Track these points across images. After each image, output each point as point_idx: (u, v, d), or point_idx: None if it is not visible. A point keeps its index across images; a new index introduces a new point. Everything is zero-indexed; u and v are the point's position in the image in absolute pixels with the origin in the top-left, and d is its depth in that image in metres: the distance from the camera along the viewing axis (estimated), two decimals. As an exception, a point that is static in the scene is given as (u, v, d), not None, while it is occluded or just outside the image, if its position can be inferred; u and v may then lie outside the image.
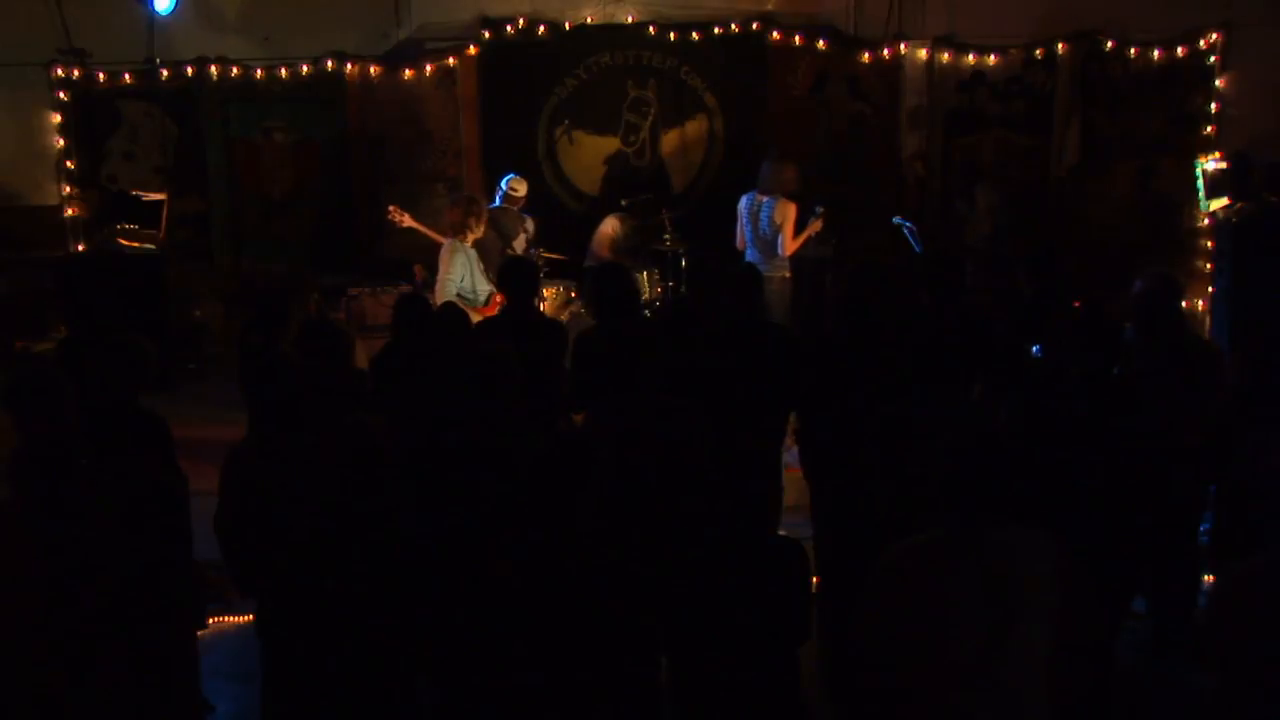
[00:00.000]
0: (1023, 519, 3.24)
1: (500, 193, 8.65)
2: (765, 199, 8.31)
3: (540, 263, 8.29)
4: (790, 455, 5.69)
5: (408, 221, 8.41)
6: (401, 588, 4.10)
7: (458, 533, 4.09)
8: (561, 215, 9.78)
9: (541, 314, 6.35)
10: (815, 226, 8.38)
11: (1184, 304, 6.11)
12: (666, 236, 9.00)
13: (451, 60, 9.82)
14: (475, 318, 6.56)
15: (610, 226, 9.07)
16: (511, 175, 8.73)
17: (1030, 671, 3.13)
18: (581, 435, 3.85)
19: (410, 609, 4.13)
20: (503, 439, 4.37)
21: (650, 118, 10.01)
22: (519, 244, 8.59)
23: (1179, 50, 9.80)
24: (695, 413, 4.65)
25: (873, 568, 3.33)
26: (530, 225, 8.74)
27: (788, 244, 8.26)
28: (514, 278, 5.94)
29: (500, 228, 8.38)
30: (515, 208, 8.65)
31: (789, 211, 8.28)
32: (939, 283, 5.71)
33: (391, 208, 8.52)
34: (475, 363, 4.69)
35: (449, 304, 6.39)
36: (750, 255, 8.30)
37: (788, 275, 8.54)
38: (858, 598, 3.35)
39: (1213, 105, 9.84)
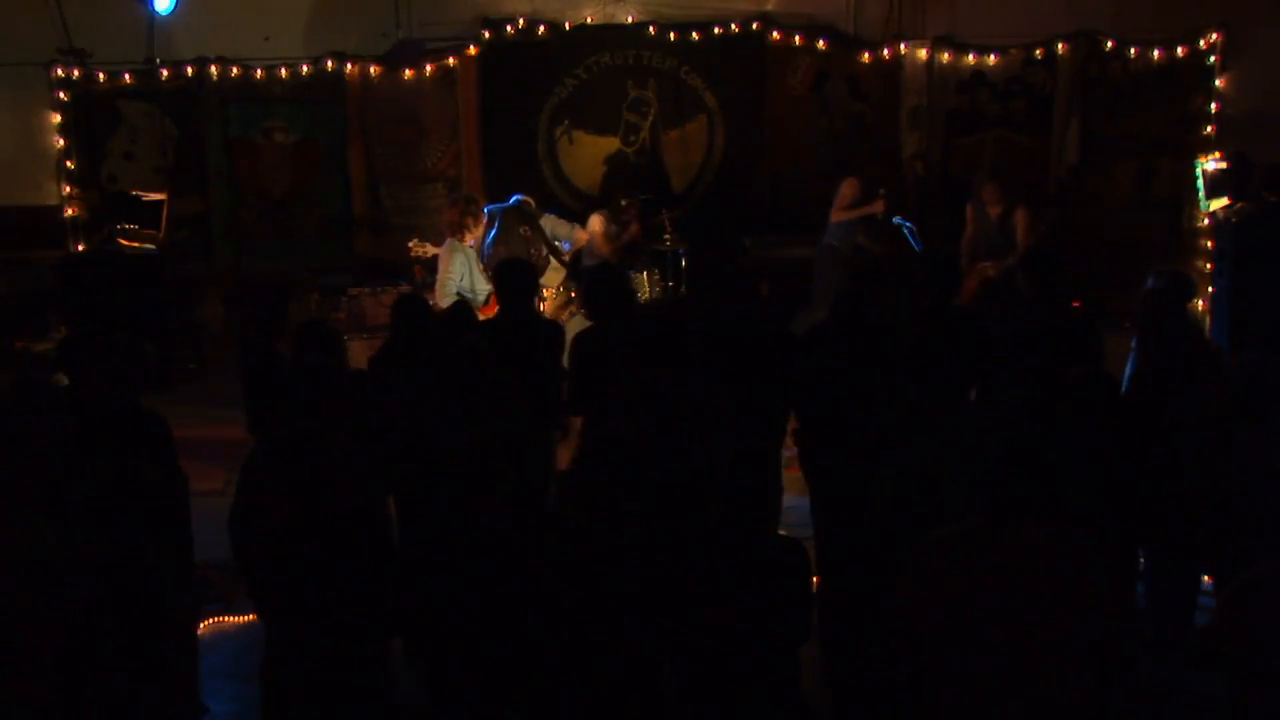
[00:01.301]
0: (1061, 516, 3.26)
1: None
2: None
3: (543, 261, 8.27)
4: (790, 455, 5.69)
5: (430, 251, 8.23)
6: (392, 587, 4.10)
7: (450, 532, 4.10)
8: (561, 215, 9.76)
9: (539, 314, 6.35)
10: (875, 206, 8.98)
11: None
12: (666, 236, 8.99)
13: (451, 60, 9.82)
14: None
15: (597, 224, 9.09)
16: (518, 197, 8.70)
17: (1059, 665, 3.15)
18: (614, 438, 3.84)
19: (403, 609, 4.14)
20: (485, 437, 4.37)
21: (650, 118, 10.00)
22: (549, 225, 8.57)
23: (1179, 50, 9.80)
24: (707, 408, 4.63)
25: (911, 552, 3.35)
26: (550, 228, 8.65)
27: (833, 211, 8.97)
28: (509, 279, 5.93)
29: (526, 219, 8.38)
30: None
31: (844, 185, 9.02)
32: (936, 283, 5.71)
33: (413, 242, 8.40)
34: (450, 362, 4.71)
35: (460, 303, 6.39)
36: None
37: (833, 244, 9.05)
38: (892, 581, 3.37)
39: (1213, 105, 9.85)
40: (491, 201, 8.54)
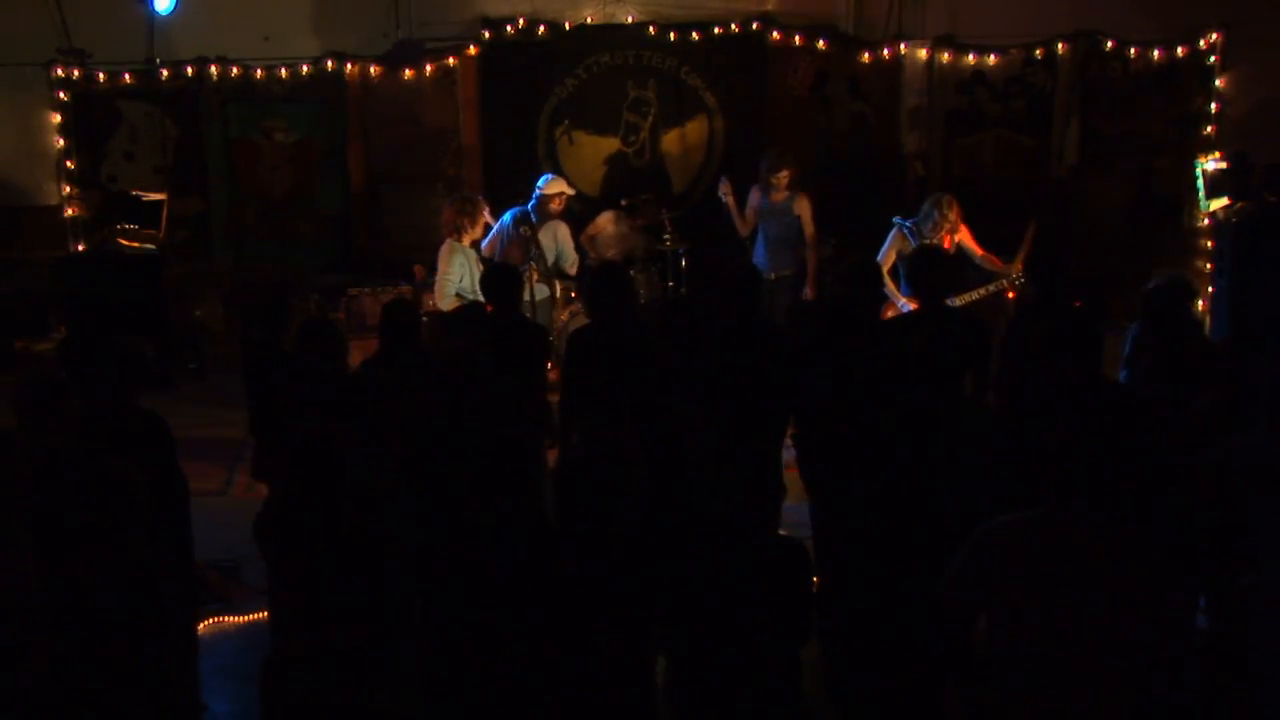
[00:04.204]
0: (1125, 512, 3.33)
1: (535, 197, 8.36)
2: None
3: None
4: (790, 455, 5.69)
5: None
6: (392, 586, 4.09)
7: (444, 529, 4.09)
8: (561, 215, 9.76)
9: (524, 317, 6.39)
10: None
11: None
12: (666, 236, 8.99)
13: (451, 60, 9.82)
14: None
15: (606, 220, 9.14)
16: (548, 177, 8.52)
17: (1111, 657, 3.20)
18: (618, 443, 3.85)
19: (402, 607, 4.13)
20: (475, 432, 4.38)
21: (650, 118, 10.00)
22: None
23: (1179, 50, 9.79)
24: (693, 413, 4.65)
25: (974, 533, 3.43)
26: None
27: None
28: (494, 283, 5.99)
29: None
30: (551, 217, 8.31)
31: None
32: (926, 281, 5.69)
33: (416, 268, 8.57)
34: (439, 361, 4.72)
35: (472, 304, 6.40)
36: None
37: None
38: (950, 560, 3.44)
39: (1213, 105, 9.85)
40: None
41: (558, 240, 8.39)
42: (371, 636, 3.89)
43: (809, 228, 8.39)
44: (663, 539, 3.84)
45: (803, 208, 8.38)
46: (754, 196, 8.49)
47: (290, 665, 3.93)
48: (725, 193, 8.62)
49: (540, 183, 8.44)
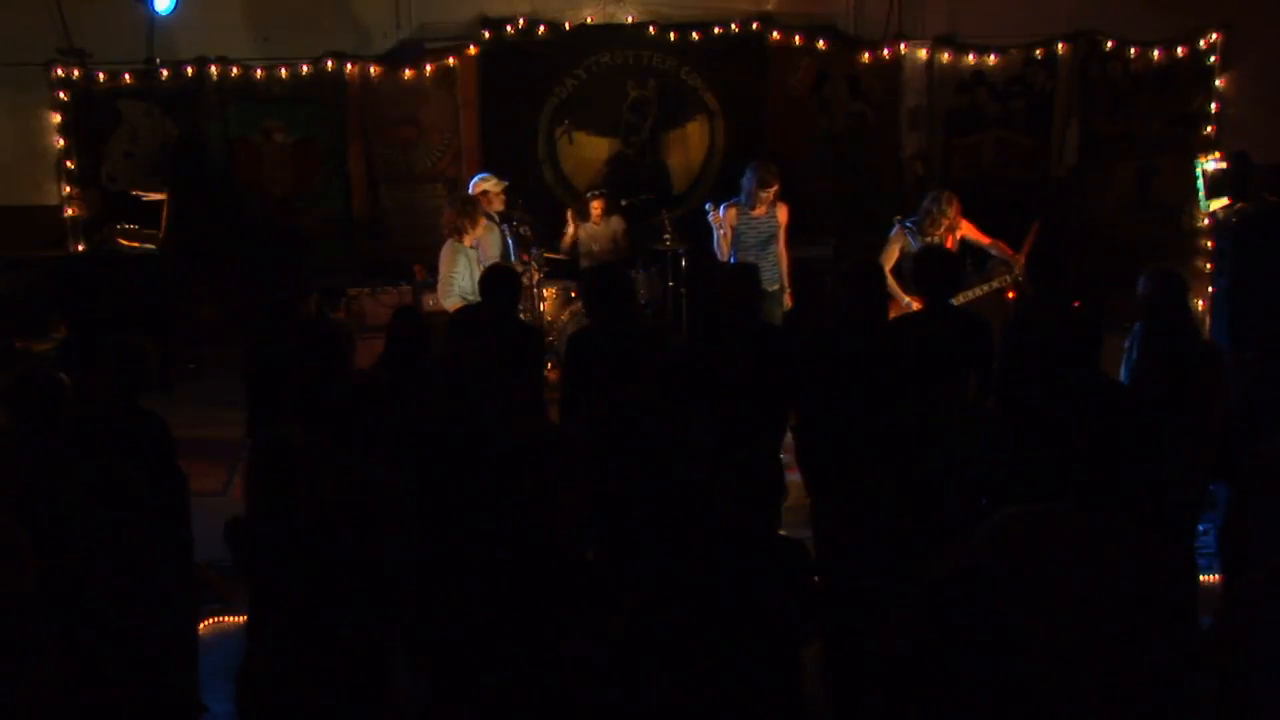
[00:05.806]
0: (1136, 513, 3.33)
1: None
2: None
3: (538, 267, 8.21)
4: (790, 455, 5.70)
5: None
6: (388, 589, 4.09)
7: (442, 526, 4.10)
8: (562, 216, 9.77)
9: (519, 318, 6.40)
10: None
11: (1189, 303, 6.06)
12: (666, 236, 9.00)
13: (451, 60, 9.82)
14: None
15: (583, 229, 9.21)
16: (478, 176, 8.37)
17: (1114, 653, 3.21)
18: (554, 431, 3.86)
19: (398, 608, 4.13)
20: (478, 434, 4.38)
21: (650, 118, 10.00)
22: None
23: (1179, 50, 9.81)
24: (691, 413, 4.64)
25: (986, 523, 3.46)
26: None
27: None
28: (494, 284, 5.99)
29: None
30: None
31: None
32: (930, 281, 5.69)
33: (416, 268, 8.65)
34: (448, 363, 4.73)
35: (473, 305, 6.42)
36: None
37: None
38: (956, 552, 3.46)
39: (1213, 105, 9.86)
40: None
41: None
42: (346, 647, 3.89)
43: (784, 235, 8.04)
44: (663, 539, 3.84)
45: (783, 216, 8.01)
46: (731, 214, 7.87)
47: (265, 677, 3.92)
48: (716, 222, 7.94)
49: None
